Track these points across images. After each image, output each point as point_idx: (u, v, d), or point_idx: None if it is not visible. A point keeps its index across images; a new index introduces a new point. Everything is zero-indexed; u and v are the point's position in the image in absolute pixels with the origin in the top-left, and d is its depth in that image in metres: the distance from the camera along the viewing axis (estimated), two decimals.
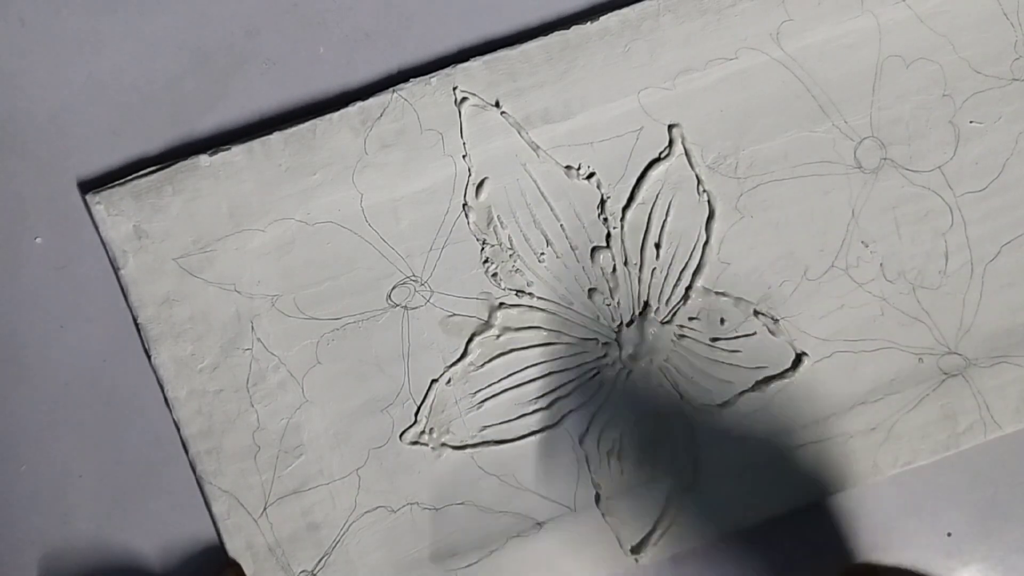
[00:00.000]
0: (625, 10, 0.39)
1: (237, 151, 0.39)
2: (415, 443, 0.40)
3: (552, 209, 0.40)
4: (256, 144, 0.39)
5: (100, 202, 0.39)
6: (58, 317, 0.40)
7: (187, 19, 0.40)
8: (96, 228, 0.39)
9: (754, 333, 0.40)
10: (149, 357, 0.39)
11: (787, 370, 0.40)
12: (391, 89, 0.39)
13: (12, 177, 0.40)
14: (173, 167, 0.39)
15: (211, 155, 0.39)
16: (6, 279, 0.40)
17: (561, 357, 0.40)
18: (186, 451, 0.39)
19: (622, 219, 0.40)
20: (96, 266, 0.40)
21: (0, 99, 0.40)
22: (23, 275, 0.40)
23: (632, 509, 0.40)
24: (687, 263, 0.40)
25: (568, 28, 0.39)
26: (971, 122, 0.40)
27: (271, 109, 0.40)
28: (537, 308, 0.40)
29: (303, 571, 0.39)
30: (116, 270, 0.39)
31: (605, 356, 0.40)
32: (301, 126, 0.39)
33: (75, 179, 0.40)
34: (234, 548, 0.39)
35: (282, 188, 0.39)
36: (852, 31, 0.40)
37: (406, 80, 0.39)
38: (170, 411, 0.39)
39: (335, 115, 0.39)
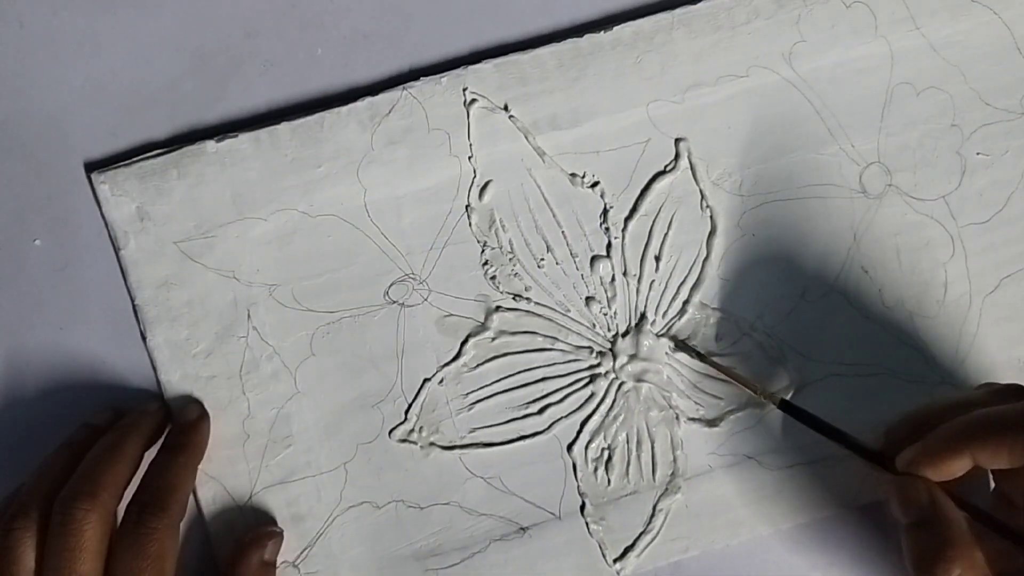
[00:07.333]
0: (639, 21, 0.39)
1: (244, 139, 0.39)
2: (404, 441, 0.40)
3: (555, 216, 0.40)
4: (263, 133, 0.39)
5: (105, 181, 0.39)
6: (58, 318, 0.40)
7: (186, 20, 0.40)
8: (99, 207, 0.39)
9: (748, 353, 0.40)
10: (145, 339, 0.39)
11: (780, 388, 0.40)
12: (402, 86, 0.39)
13: (12, 178, 0.40)
14: (180, 151, 0.39)
15: (218, 141, 0.39)
16: (6, 280, 0.40)
17: (555, 363, 0.40)
18: None
19: (623, 229, 0.40)
20: (96, 267, 0.40)
21: (0, 99, 0.40)
22: (23, 276, 0.40)
23: (617, 520, 0.40)
24: (686, 277, 0.40)
25: (581, 36, 0.39)
26: (978, 154, 0.40)
27: (269, 110, 0.40)
28: (534, 313, 0.40)
29: (284, 562, 0.39)
30: (117, 250, 0.39)
31: (599, 365, 0.40)
32: (309, 118, 0.39)
33: (74, 180, 0.40)
34: (216, 532, 0.39)
35: (287, 178, 0.39)
36: (864, 56, 0.40)
37: (417, 79, 0.39)
38: (162, 394, 0.39)
39: (344, 109, 0.39)
